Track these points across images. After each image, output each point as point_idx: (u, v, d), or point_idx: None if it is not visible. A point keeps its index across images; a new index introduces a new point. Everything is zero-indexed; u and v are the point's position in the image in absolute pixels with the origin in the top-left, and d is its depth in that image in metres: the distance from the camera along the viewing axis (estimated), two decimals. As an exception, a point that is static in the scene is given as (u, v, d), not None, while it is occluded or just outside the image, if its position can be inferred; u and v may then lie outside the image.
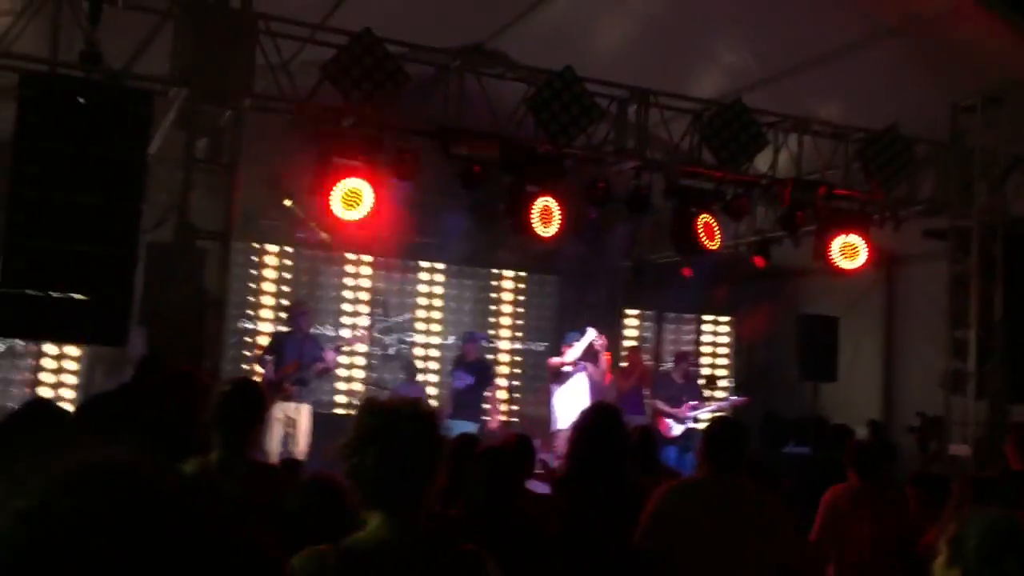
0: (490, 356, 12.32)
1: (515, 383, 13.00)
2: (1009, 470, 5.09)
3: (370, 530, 2.11)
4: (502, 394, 12.25)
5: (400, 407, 2.16)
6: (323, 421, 10.01)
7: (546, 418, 12.42)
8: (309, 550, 2.11)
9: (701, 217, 8.69)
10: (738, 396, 11.94)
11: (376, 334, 11.18)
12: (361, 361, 12.28)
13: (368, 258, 12.50)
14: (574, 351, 10.18)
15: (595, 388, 10.29)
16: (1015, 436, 5.80)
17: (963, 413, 9.03)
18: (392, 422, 2.10)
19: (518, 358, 13.27)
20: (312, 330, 10.46)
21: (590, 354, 10.24)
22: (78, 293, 6.17)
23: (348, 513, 2.72)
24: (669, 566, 3.63)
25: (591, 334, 10.19)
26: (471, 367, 10.47)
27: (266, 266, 12.04)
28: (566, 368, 10.11)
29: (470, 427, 9.32)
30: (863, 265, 9.26)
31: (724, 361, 14.38)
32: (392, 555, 2.07)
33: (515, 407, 12.63)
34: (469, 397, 10.33)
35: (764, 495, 3.95)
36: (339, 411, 11.66)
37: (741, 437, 3.92)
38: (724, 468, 3.80)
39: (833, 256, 9.01)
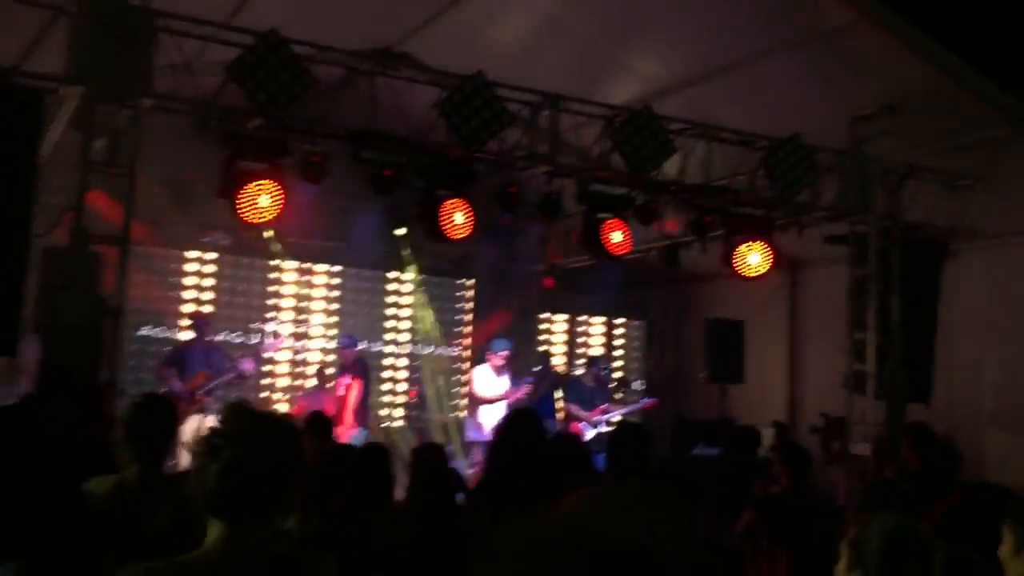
0: (395, 360, 12.23)
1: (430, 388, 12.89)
2: (907, 472, 5.25)
3: (207, 545, 1.96)
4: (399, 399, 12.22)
5: (257, 416, 2.03)
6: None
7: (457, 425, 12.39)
8: (137, 565, 1.95)
9: (609, 222, 8.76)
10: (648, 399, 12.08)
11: (285, 341, 10.92)
12: (283, 368, 12.04)
13: (279, 263, 12.28)
14: (481, 381, 10.25)
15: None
16: (911, 437, 6.01)
17: (863, 413, 9.30)
18: (243, 431, 1.96)
19: (430, 363, 13.19)
20: (219, 338, 10.22)
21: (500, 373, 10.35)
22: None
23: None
24: None
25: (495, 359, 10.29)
26: (350, 372, 10.37)
27: (170, 272, 11.69)
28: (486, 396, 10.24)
29: (358, 434, 9.27)
30: (766, 272, 9.47)
31: (635, 364, 14.57)
32: (227, 568, 1.93)
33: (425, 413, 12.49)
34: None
35: (671, 499, 3.95)
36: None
37: (644, 441, 3.90)
38: (628, 473, 3.78)
39: (738, 263, 9.19)
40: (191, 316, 9.78)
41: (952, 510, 3.62)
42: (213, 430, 1.97)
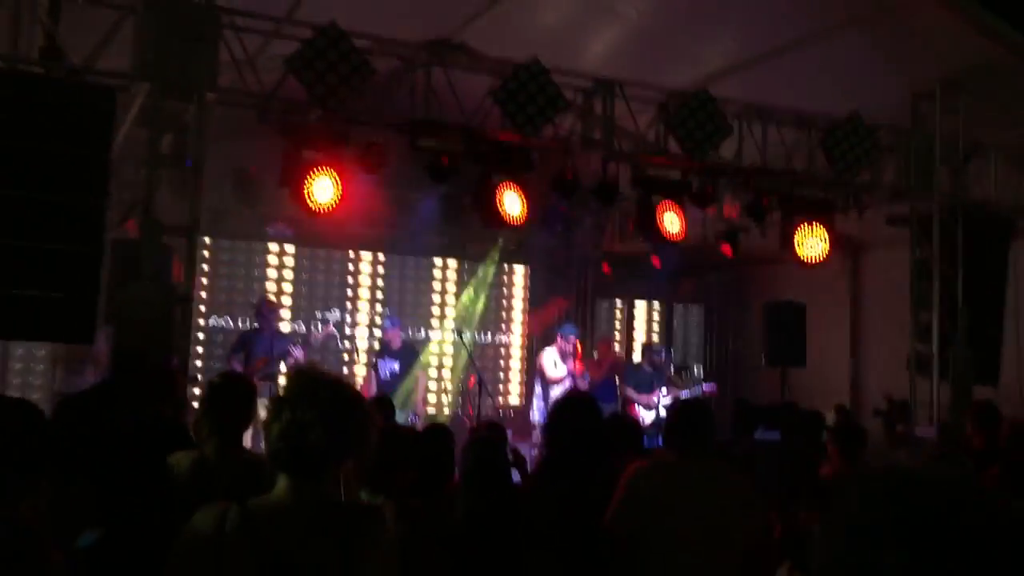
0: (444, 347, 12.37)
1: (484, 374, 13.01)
2: (971, 450, 5.19)
3: (274, 493, 2.14)
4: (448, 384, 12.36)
5: (316, 381, 2.19)
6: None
7: (518, 409, 12.51)
8: (210, 506, 2.13)
9: (664, 206, 8.76)
10: (708, 384, 12.04)
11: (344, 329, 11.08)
12: (333, 358, 12.25)
13: (341, 253, 12.49)
14: (550, 363, 10.25)
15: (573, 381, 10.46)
16: (975, 415, 5.93)
17: (928, 395, 9.17)
18: (301, 395, 2.13)
19: (489, 350, 13.32)
20: (286, 327, 10.47)
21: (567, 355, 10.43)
22: (44, 291, 6.11)
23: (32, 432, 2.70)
24: (639, 549, 3.66)
25: (564, 343, 10.31)
26: (396, 354, 10.46)
27: (235, 263, 11.98)
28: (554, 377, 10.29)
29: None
30: (825, 255, 9.39)
31: (694, 350, 14.52)
32: (294, 520, 2.09)
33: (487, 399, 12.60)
34: (395, 385, 10.31)
35: (734, 479, 3.97)
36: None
37: (705, 419, 3.90)
38: (690, 451, 3.81)
39: (798, 247, 9.13)
40: (257, 305, 10.01)
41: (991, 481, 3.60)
42: (278, 394, 2.16)
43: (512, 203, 8.12)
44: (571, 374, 10.42)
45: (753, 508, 3.86)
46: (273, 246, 12.10)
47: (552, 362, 10.48)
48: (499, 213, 8.09)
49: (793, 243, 9.15)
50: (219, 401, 3.42)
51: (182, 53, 6.61)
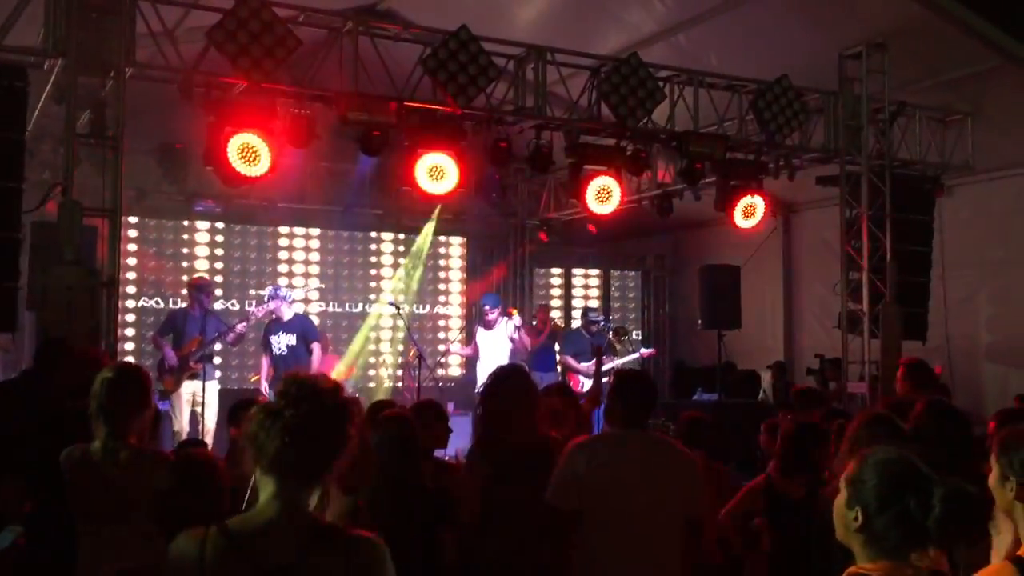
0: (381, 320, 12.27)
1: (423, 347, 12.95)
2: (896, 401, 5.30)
3: (257, 509, 2.07)
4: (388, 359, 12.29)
5: (308, 382, 2.13)
6: (230, 398, 9.82)
7: (459, 380, 12.51)
8: (188, 532, 2.05)
9: (598, 179, 8.77)
10: (647, 348, 12.16)
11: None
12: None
13: (271, 229, 12.28)
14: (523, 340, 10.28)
15: (513, 349, 10.44)
16: (904, 371, 6.08)
17: (859, 352, 9.37)
18: (302, 397, 2.08)
19: (428, 322, 13.26)
20: (218, 306, 10.25)
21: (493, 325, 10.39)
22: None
23: (217, 489, 2.69)
24: (579, 524, 3.64)
25: (511, 325, 10.27)
26: (288, 327, 9.99)
27: (163, 242, 11.71)
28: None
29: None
30: (760, 223, 9.53)
31: (632, 314, 14.63)
32: (280, 538, 2.02)
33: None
34: (292, 359, 9.98)
35: (674, 449, 3.99)
36: (247, 387, 11.44)
37: (645, 390, 3.90)
38: (631, 423, 3.80)
39: (735, 215, 9.24)
40: (188, 284, 9.74)
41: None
42: (278, 395, 2.09)
43: (440, 175, 8.03)
44: (500, 330, 10.37)
45: (694, 477, 3.87)
46: (202, 224, 11.85)
47: (479, 336, 10.45)
48: (426, 185, 8.02)
49: (730, 209, 9.24)
50: (108, 395, 3.33)
51: (96, 26, 6.36)
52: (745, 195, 9.24)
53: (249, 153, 7.11)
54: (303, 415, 2.05)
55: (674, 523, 3.68)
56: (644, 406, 3.86)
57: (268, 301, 9.42)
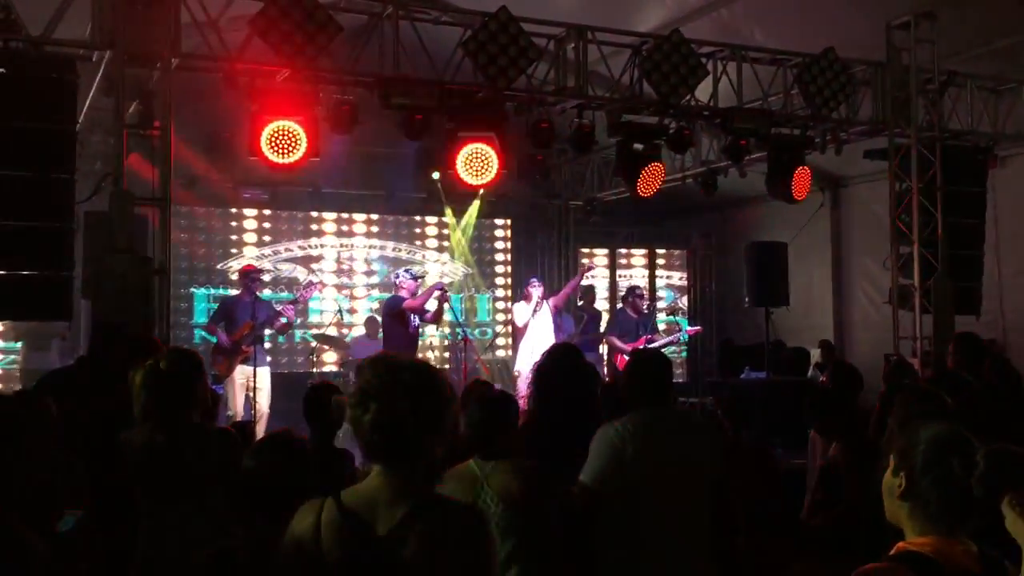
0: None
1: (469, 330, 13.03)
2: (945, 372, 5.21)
3: (367, 483, 2.16)
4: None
5: (403, 364, 2.19)
6: (282, 382, 9.99)
7: (504, 362, 12.55)
8: (307, 504, 2.16)
9: (646, 160, 8.74)
10: (693, 326, 12.09)
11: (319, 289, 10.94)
12: (314, 320, 12.26)
13: (315, 214, 12.43)
14: (522, 314, 10.20)
15: (558, 328, 10.39)
16: (956, 345, 5.97)
17: (911, 328, 9.22)
18: (393, 379, 2.13)
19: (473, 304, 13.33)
20: (268, 292, 10.41)
21: (540, 308, 10.30)
22: (18, 269, 6.03)
23: (305, 469, 2.73)
24: (608, 506, 3.63)
25: (533, 293, 10.21)
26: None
27: (212, 229, 11.91)
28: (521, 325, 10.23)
29: None
30: (806, 194, 9.41)
31: (679, 293, 14.56)
32: (387, 510, 2.10)
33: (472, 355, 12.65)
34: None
35: (694, 418, 3.99)
36: (298, 370, 11.63)
37: (660, 369, 3.87)
38: (652, 402, 3.79)
39: (792, 187, 9.12)
40: (240, 271, 9.89)
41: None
42: (360, 385, 2.16)
43: (478, 159, 8.03)
44: (546, 311, 10.29)
45: (716, 442, 3.91)
46: (250, 211, 12.04)
47: (519, 313, 10.39)
48: (459, 172, 8.05)
49: (786, 184, 9.13)
50: (166, 377, 3.39)
51: (142, 18, 6.46)
52: (798, 166, 9.11)
53: (283, 140, 7.18)
54: (387, 408, 2.10)
55: (702, 499, 3.68)
56: (660, 385, 3.85)
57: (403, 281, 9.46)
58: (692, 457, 3.72)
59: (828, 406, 4.63)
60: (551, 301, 10.33)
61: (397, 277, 9.64)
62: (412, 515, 2.09)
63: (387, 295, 11.03)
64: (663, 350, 11.07)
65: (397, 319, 9.14)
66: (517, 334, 10.73)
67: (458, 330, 10.21)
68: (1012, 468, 2.35)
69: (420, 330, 9.63)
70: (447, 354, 12.53)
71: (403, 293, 9.32)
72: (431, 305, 9.33)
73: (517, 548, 3.28)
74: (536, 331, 10.10)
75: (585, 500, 3.55)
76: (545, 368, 4.30)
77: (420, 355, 11.35)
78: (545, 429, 4.08)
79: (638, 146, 8.76)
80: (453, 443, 3.45)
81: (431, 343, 12.61)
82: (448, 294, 9.56)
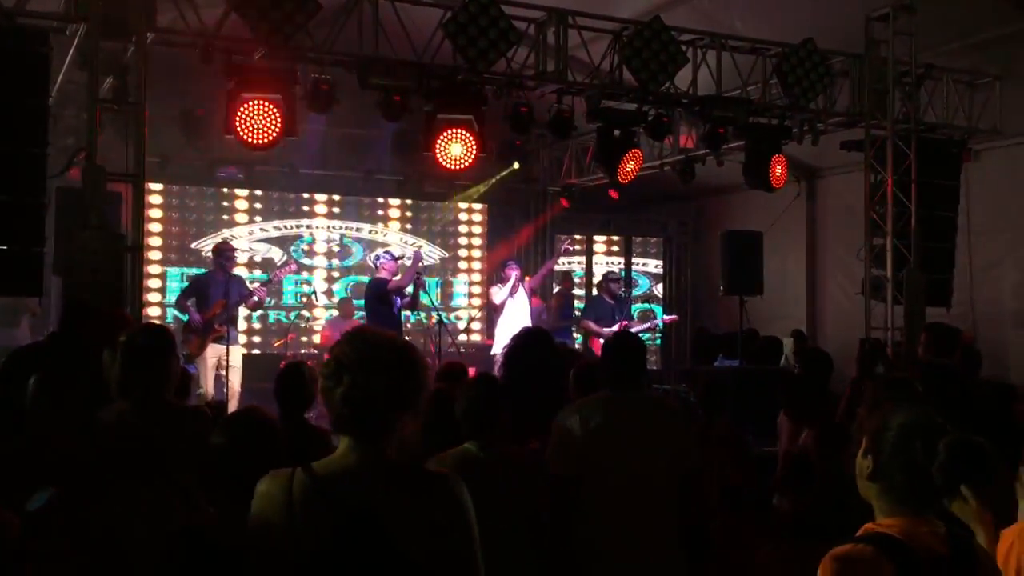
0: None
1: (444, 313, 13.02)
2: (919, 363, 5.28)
3: (337, 455, 2.15)
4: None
5: (381, 339, 2.18)
6: (254, 362, 9.95)
7: (480, 346, 12.56)
8: (273, 473, 2.13)
9: (625, 147, 8.76)
10: (668, 314, 12.14)
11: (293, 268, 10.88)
12: (290, 301, 12.23)
13: (291, 194, 12.37)
14: (500, 293, 10.24)
15: (534, 314, 10.44)
16: (928, 336, 6.04)
17: (882, 319, 9.31)
18: (370, 353, 2.13)
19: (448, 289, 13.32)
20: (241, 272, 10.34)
21: (517, 290, 10.34)
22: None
23: (275, 445, 2.72)
24: (578, 490, 3.63)
25: (512, 275, 10.25)
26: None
27: (186, 207, 11.82)
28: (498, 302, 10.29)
29: None
30: (782, 181, 9.45)
31: (654, 280, 14.62)
32: (362, 478, 2.10)
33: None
34: None
35: (665, 405, 4.02)
36: (271, 352, 11.59)
37: (634, 352, 3.89)
38: (623, 384, 3.79)
39: (771, 177, 9.19)
40: (213, 248, 9.79)
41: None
42: (335, 357, 2.15)
43: (455, 148, 8.00)
44: (522, 294, 10.35)
45: (686, 432, 3.89)
46: (225, 190, 11.95)
47: (496, 293, 10.43)
48: (439, 156, 8.00)
49: (763, 173, 9.18)
50: (137, 353, 3.37)
51: (117, -9, 6.36)
52: (775, 157, 9.17)
53: (258, 122, 7.12)
54: (362, 379, 2.10)
55: (670, 483, 3.68)
56: (634, 366, 3.86)
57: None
58: (658, 440, 3.71)
59: (800, 392, 4.67)
60: (527, 283, 10.37)
61: (378, 259, 9.61)
62: (390, 485, 2.10)
63: (363, 278, 11.04)
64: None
65: (382, 300, 9.14)
66: (494, 315, 10.75)
67: (433, 313, 10.18)
68: (969, 459, 2.41)
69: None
70: (421, 340, 12.52)
71: (384, 274, 9.31)
72: (409, 288, 9.34)
73: (515, 531, 3.29)
74: (513, 312, 10.13)
75: (554, 484, 3.56)
76: (515, 352, 4.30)
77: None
78: (515, 413, 4.08)
79: (617, 133, 8.78)
80: (445, 427, 3.47)
81: (407, 327, 12.60)
82: (424, 279, 9.56)
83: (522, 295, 10.31)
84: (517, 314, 10.12)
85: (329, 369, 2.14)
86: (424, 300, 9.91)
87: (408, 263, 9.52)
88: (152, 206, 11.11)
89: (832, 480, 3.42)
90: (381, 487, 2.09)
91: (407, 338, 11.90)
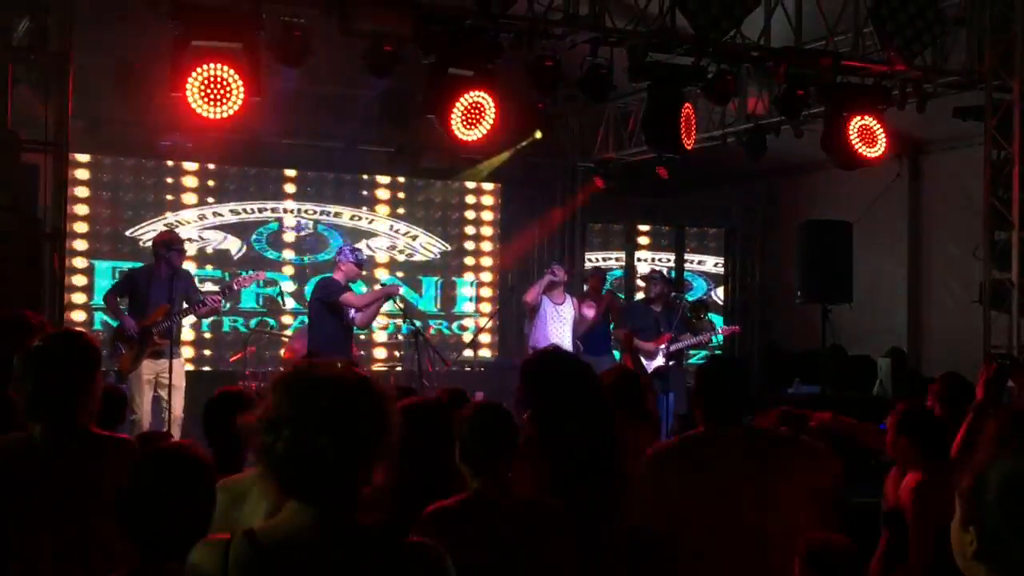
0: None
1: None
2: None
3: (286, 516, 2.16)
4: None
5: (320, 382, 2.18)
6: (202, 382, 9.98)
7: (492, 364, 12.59)
8: (207, 542, 2.15)
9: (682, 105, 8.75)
10: (728, 325, 12.12)
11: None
12: (250, 305, 12.28)
13: (252, 170, 12.41)
14: (533, 291, 10.34)
15: (575, 323, 10.60)
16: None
17: (1007, 334, 9.26)
18: (307, 403, 2.14)
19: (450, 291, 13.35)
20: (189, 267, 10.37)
21: (553, 289, 10.43)
22: None
23: (208, 491, 2.72)
24: (673, 544, 3.68)
25: (549, 273, 10.39)
26: None
27: (121, 184, 11.87)
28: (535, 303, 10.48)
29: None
30: (882, 155, 9.37)
31: (712, 282, 14.60)
32: (316, 549, 2.10)
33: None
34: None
35: (784, 442, 4.09)
36: (224, 368, 11.63)
37: (740, 376, 4.00)
38: (725, 419, 3.87)
39: (852, 141, 9.09)
40: (155, 239, 9.78)
41: None
42: (267, 411, 2.15)
43: (474, 110, 8.02)
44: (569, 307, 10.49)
45: (809, 462, 3.93)
46: (170, 163, 12.00)
47: (533, 290, 10.53)
48: (453, 124, 8.02)
49: (841, 141, 9.12)
50: (48, 369, 3.37)
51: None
52: (863, 116, 9.10)
53: (215, 88, 7.14)
54: (305, 435, 2.12)
55: (789, 541, 3.72)
56: (737, 397, 3.95)
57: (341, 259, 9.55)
58: (771, 492, 3.76)
59: (931, 431, 4.66)
60: (580, 305, 10.50)
61: (340, 254, 9.59)
62: (351, 558, 2.11)
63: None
64: (688, 352, 11.19)
65: (332, 309, 9.15)
66: (528, 321, 10.81)
67: (412, 323, 10.22)
68: None
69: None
70: (398, 352, 12.54)
71: (339, 276, 9.32)
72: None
73: None
74: (555, 322, 10.25)
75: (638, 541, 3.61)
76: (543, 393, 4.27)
77: (358, 352, 11.35)
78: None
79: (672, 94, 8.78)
80: (440, 471, 3.47)
81: (396, 339, 12.64)
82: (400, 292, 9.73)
83: (569, 307, 10.41)
84: (560, 326, 10.27)
85: (264, 422, 2.16)
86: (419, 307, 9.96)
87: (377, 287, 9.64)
88: (78, 182, 11.15)
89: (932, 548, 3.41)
90: (341, 561, 2.10)
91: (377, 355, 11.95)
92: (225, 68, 7.13)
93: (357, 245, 11.50)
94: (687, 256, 14.54)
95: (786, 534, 3.72)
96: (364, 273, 9.91)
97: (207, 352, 12.04)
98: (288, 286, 12.29)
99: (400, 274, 12.91)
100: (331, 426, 2.12)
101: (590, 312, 10.81)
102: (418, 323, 10.35)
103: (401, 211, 13.13)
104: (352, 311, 9.24)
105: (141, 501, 2.72)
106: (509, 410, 3.77)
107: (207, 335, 12.00)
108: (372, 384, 2.25)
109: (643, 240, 14.44)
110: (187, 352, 10.25)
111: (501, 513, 3.36)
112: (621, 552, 3.65)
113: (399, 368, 11.60)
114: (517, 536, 3.33)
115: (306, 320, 11.33)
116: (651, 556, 3.69)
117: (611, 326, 11.16)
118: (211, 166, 12.21)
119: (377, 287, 10.02)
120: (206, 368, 11.78)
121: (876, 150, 9.28)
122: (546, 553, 3.37)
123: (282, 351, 11.55)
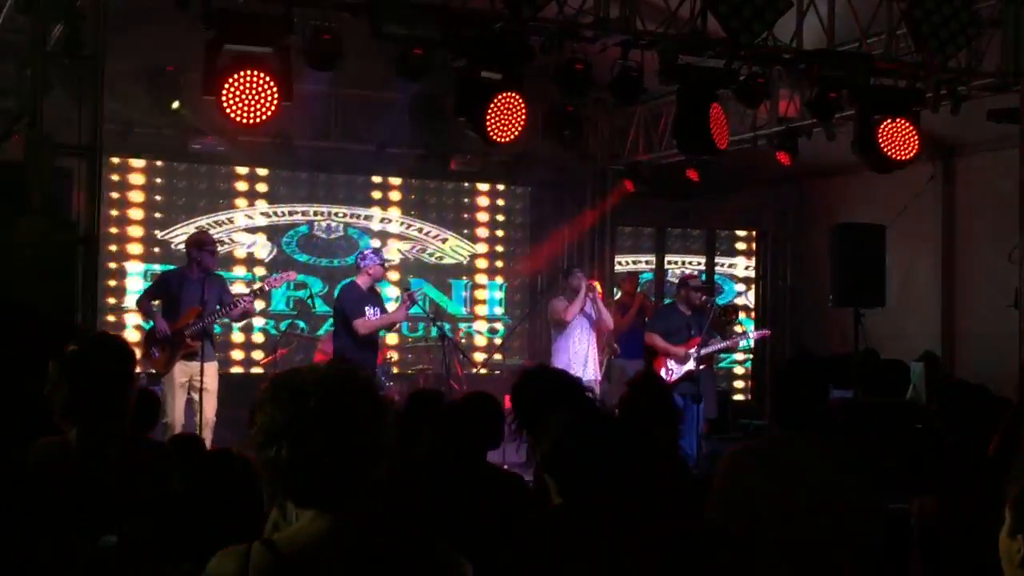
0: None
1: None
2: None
3: (303, 524, 2.17)
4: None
5: (306, 387, 2.17)
6: (233, 384, 10.00)
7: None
8: (228, 550, 2.14)
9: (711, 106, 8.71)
10: (758, 329, 12.06)
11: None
12: (280, 308, 12.33)
13: (285, 172, 12.45)
14: (572, 307, 10.32)
15: (598, 335, 10.58)
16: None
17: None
18: (299, 410, 2.14)
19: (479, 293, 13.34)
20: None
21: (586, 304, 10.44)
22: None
23: (252, 498, 2.72)
24: (746, 549, 3.70)
25: (583, 284, 10.42)
26: None
27: (153, 188, 11.94)
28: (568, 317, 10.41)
29: None
30: (914, 157, 9.31)
31: (743, 286, 14.55)
32: (338, 556, 2.11)
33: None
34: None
35: (852, 453, 4.11)
36: (256, 370, 11.67)
37: (817, 380, 4.03)
38: (800, 424, 3.89)
39: (884, 144, 9.02)
40: (188, 240, 9.81)
41: None
42: (260, 424, 2.16)
43: (506, 111, 8.02)
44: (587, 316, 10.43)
45: (870, 492, 4.00)
46: (202, 167, 12.07)
47: (560, 307, 10.47)
48: (488, 126, 8.01)
49: (873, 144, 9.06)
50: (85, 374, 3.38)
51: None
52: (895, 122, 9.04)
53: (248, 94, 7.16)
54: (299, 446, 2.12)
55: (846, 542, 3.78)
56: (814, 402, 3.99)
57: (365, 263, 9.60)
58: (831, 499, 3.78)
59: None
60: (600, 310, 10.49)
61: (362, 259, 9.59)
62: (370, 567, 2.11)
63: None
64: (719, 356, 11.15)
65: (357, 316, 9.19)
66: (555, 334, 10.76)
67: (438, 325, 10.19)
68: None
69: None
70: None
71: (362, 281, 9.34)
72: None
73: None
74: (581, 330, 10.23)
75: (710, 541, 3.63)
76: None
77: (386, 353, 11.35)
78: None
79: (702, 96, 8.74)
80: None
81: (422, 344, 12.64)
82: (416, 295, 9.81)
83: (587, 306, 10.39)
84: (583, 336, 10.21)
85: (260, 439, 2.16)
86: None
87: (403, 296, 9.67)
88: (111, 186, 11.23)
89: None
90: (359, 569, 2.11)
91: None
92: (258, 74, 7.16)
93: (385, 247, 11.53)
94: (717, 259, 14.50)
95: (840, 542, 3.78)
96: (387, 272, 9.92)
97: (236, 355, 12.08)
98: (318, 288, 12.33)
99: (430, 277, 12.93)
100: (325, 424, 2.12)
101: (610, 319, 10.78)
102: (447, 326, 10.35)
103: (431, 214, 13.16)
104: (375, 311, 9.31)
105: (184, 508, 2.72)
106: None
107: (237, 338, 12.04)
108: (357, 375, 2.25)
109: (673, 243, 14.40)
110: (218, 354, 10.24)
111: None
112: (658, 555, 3.62)
113: (428, 370, 11.58)
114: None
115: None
116: (729, 557, 3.69)
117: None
118: (241, 169, 12.26)
119: (392, 306, 9.97)
120: (236, 370, 11.81)
121: (909, 152, 9.22)
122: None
123: (315, 354, 11.58)
